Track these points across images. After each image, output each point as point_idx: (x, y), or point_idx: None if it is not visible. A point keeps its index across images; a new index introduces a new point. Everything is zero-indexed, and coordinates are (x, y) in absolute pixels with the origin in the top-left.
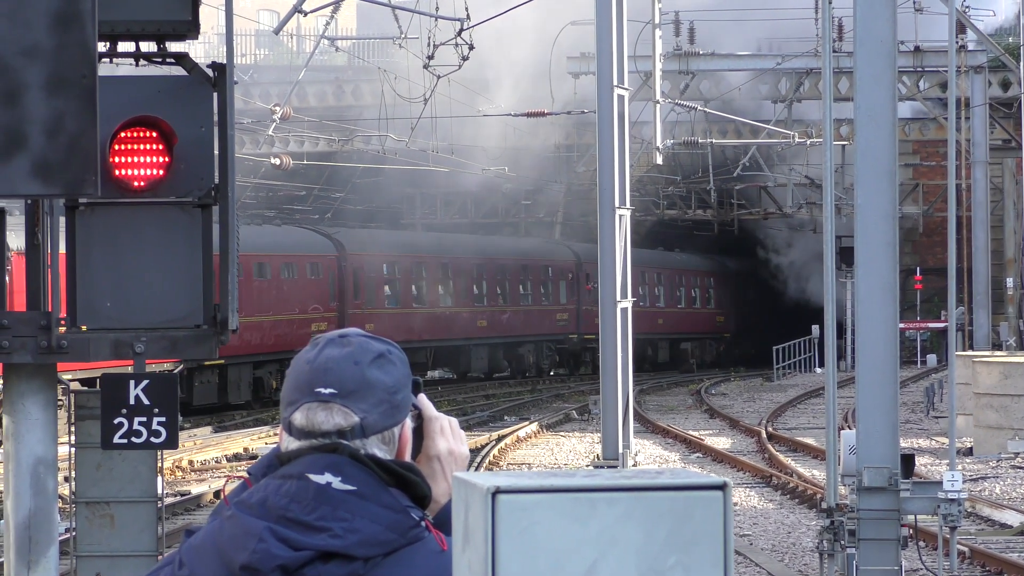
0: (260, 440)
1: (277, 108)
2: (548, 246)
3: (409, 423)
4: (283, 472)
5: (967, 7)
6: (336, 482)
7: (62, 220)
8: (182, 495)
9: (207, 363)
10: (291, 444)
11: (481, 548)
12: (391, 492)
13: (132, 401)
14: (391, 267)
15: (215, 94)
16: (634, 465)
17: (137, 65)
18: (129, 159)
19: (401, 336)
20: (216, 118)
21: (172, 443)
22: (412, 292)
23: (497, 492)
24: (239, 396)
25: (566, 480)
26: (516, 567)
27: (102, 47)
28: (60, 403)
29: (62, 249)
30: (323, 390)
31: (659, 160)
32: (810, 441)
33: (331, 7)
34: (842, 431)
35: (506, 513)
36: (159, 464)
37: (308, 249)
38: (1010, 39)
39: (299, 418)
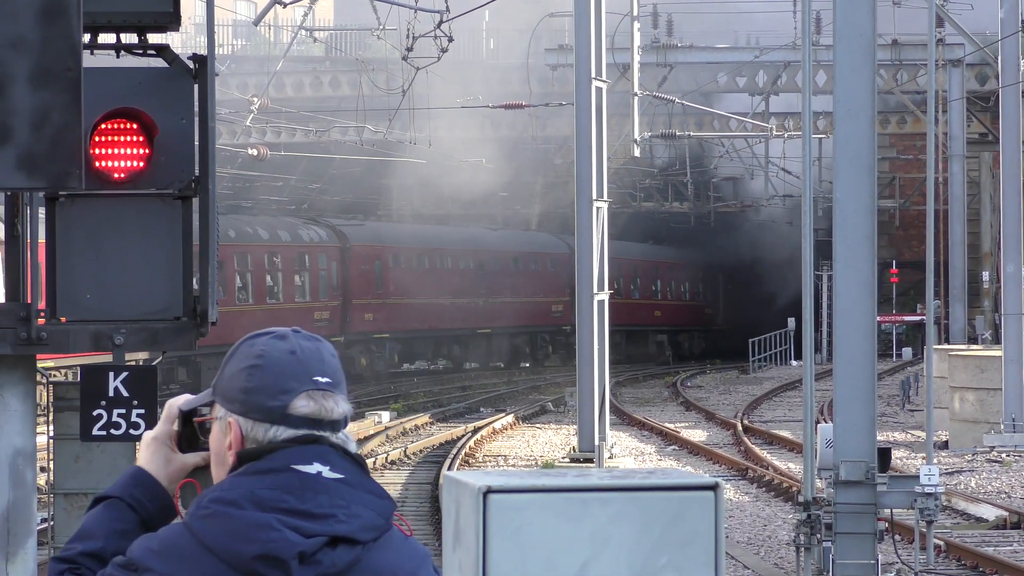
0: None
1: (255, 99)
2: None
3: None
4: (259, 467)
5: (945, 0)
6: (326, 471)
7: (41, 211)
8: None
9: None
10: (282, 434)
11: (472, 548)
12: (372, 479)
13: (111, 393)
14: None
15: (196, 86)
16: (610, 457)
17: (118, 57)
18: (110, 151)
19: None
20: (197, 110)
21: None
22: (612, 285)
23: (488, 492)
24: (500, 359)
25: (558, 480)
26: (507, 567)
27: (83, 38)
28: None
29: (41, 239)
30: (321, 379)
31: (636, 152)
32: (786, 434)
33: None
34: (819, 424)
35: (497, 513)
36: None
37: (549, 248)
38: (987, 32)
39: (305, 405)
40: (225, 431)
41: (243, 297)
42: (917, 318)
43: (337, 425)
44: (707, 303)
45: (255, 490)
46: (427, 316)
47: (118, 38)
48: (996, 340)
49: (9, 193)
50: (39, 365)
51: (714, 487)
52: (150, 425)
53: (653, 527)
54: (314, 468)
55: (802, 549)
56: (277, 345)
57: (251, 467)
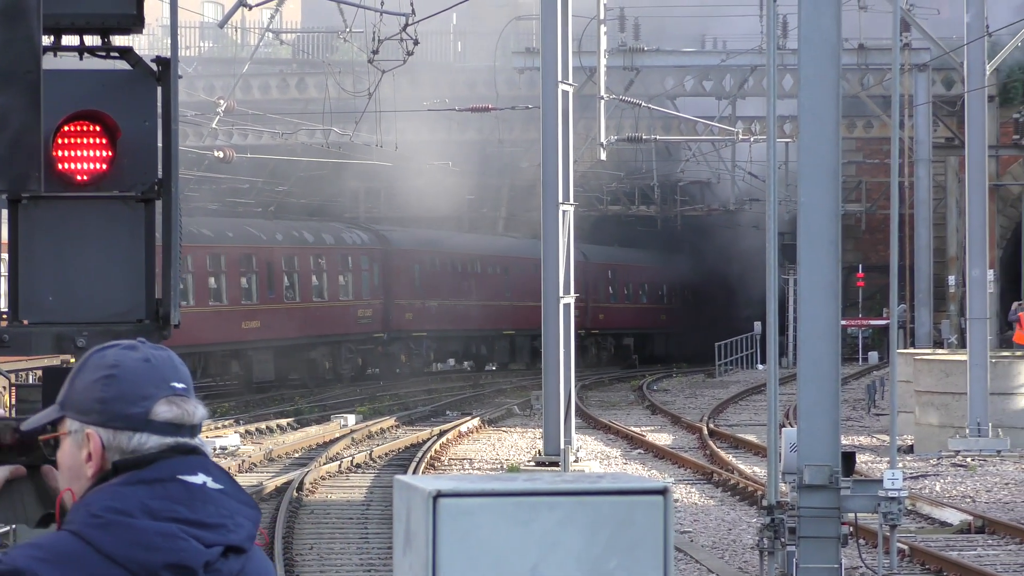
0: (201, 434)
1: (221, 101)
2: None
3: None
4: (143, 477)
5: (911, 5)
6: (209, 482)
7: (3, 213)
8: None
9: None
10: (148, 440)
11: (422, 552)
12: (243, 489)
13: None
14: (613, 272)
15: (159, 88)
16: (575, 461)
17: (81, 59)
18: (72, 153)
19: (616, 323)
20: (160, 112)
21: None
22: (623, 292)
23: (439, 496)
24: (521, 360)
25: (507, 484)
26: (457, 570)
27: (46, 40)
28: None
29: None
30: (178, 384)
31: (603, 156)
32: (751, 438)
33: (276, 0)
34: (783, 428)
35: (448, 517)
36: None
37: None
38: (953, 36)
39: (167, 410)
40: (82, 443)
41: (290, 296)
42: (883, 322)
43: (196, 429)
44: (673, 306)
45: (145, 500)
46: (460, 317)
47: (81, 40)
48: (962, 344)
49: None
50: (7, 369)
51: (663, 491)
52: None
53: (602, 531)
54: (199, 479)
55: (766, 553)
56: (129, 354)
57: (134, 476)
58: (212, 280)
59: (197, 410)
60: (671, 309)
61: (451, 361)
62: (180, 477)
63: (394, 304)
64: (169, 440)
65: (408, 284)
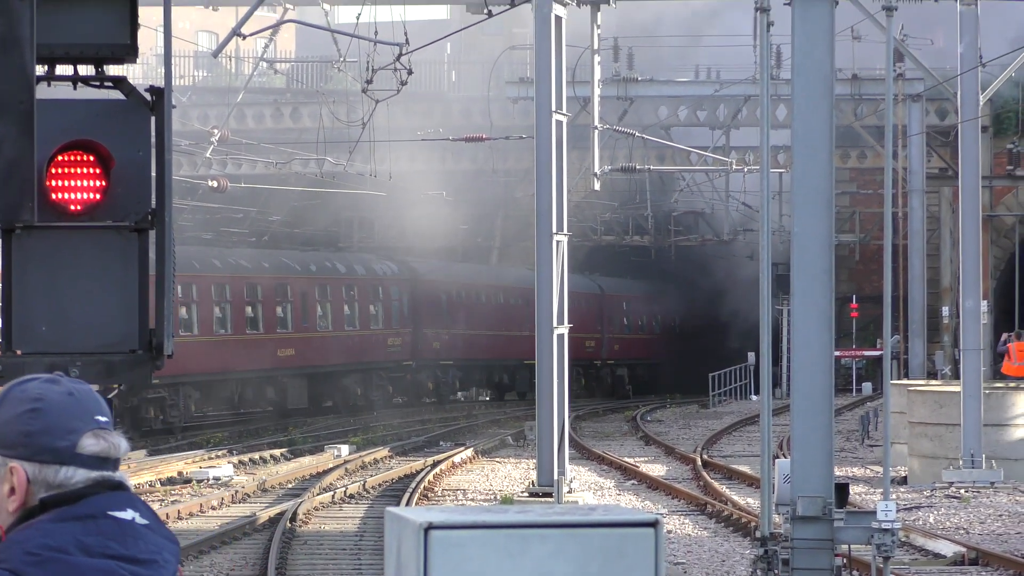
0: (195, 464)
1: (215, 130)
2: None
3: None
4: (75, 513)
5: (905, 36)
6: (138, 517)
7: None
8: None
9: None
10: (75, 474)
11: None
12: (164, 524)
13: None
14: (627, 304)
15: (153, 118)
16: (569, 492)
17: (75, 88)
18: (66, 183)
19: (635, 354)
20: (154, 142)
21: None
22: (637, 323)
23: (430, 528)
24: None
25: (499, 516)
26: None
27: (40, 70)
28: None
29: None
30: (101, 418)
31: (597, 186)
32: (745, 469)
33: (270, 30)
34: (777, 460)
35: (439, 549)
36: None
37: (580, 288)
38: (947, 67)
39: (94, 444)
40: (4, 478)
41: (324, 325)
42: (877, 353)
43: (119, 463)
44: (684, 336)
45: (79, 537)
46: (484, 346)
47: (75, 70)
48: (955, 375)
49: None
50: None
51: (654, 523)
52: None
53: (593, 563)
54: (128, 515)
55: None
56: (52, 388)
57: (65, 513)
58: (249, 309)
59: (121, 443)
60: (682, 339)
61: (486, 397)
62: (111, 513)
63: (422, 333)
64: (95, 474)
65: (436, 314)
